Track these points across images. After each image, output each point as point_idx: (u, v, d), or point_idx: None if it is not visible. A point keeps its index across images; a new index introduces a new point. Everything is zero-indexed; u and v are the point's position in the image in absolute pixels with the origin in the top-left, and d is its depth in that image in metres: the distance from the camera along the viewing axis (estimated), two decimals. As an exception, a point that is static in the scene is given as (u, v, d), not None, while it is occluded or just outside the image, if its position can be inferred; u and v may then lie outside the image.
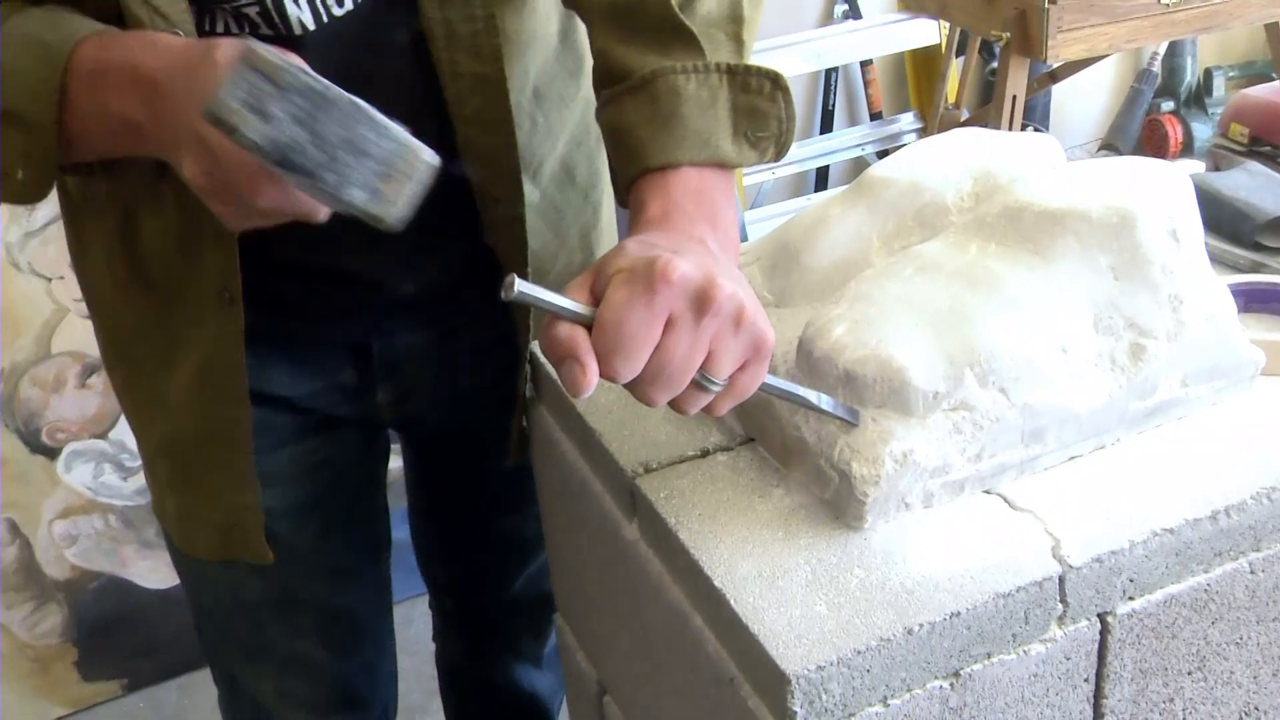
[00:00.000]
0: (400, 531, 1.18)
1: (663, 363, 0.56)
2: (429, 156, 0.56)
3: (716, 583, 0.62)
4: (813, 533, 0.65)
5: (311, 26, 0.73)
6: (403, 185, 0.56)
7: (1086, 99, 2.96)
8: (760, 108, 0.70)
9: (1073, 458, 0.69)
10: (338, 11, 0.74)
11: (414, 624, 1.67)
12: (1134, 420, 0.71)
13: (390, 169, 0.55)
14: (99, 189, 0.83)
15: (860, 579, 0.61)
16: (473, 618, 1.20)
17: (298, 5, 0.72)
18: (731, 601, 0.61)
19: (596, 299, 0.56)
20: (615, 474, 0.74)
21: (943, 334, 0.65)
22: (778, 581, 0.62)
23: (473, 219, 0.84)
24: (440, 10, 0.75)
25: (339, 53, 0.74)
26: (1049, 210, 0.69)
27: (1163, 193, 0.70)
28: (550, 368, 0.86)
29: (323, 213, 0.61)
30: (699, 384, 0.57)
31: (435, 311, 0.92)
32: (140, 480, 1.70)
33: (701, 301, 0.55)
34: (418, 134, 0.81)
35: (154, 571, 1.76)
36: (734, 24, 0.72)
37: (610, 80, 0.72)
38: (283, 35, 0.73)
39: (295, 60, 0.55)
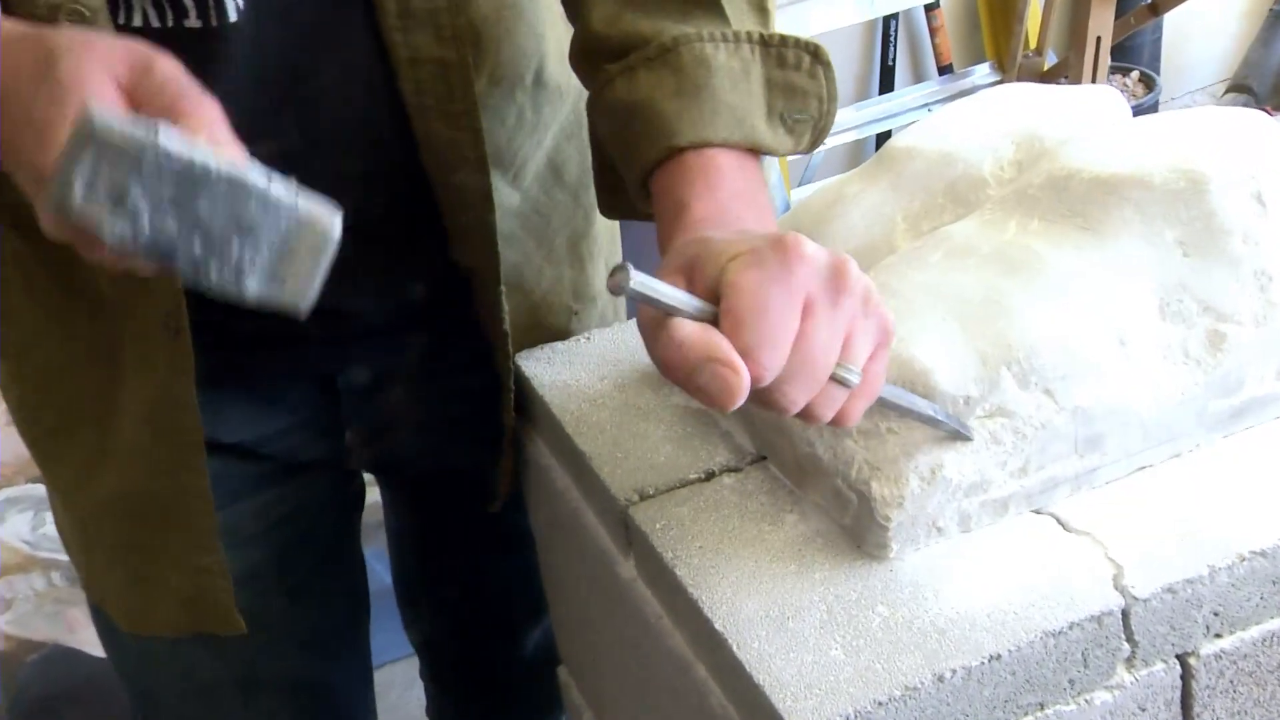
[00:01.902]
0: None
1: (806, 354, 0.55)
2: (329, 224, 0.54)
3: (718, 625, 0.63)
4: (830, 564, 0.66)
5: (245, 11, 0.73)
6: (307, 262, 0.54)
7: (1210, 32, 2.93)
8: (799, 85, 0.70)
9: (1140, 468, 0.70)
10: None
11: (417, 685, 1.69)
12: (1215, 422, 0.71)
13: (288, 246, 0.54)
14: (6, 200, 0.85)
15: (883, 617, 0.62)
16: (476, 686, 1.20)
17: None
18: (734, 647, 0.62)
19: (700, 296, 0.56)
20: (608, 503, 0.76)
21: (975, 328, 0.65)
22: (788, 623, 0.63)
23: (443, 227, 0.85)
24: None
25: (277, 42, 0.75)
26: (1102, 177, 0.70)
27: (1243, 148, 0.70)
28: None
29: None
30: (836, 378, 0.57)
31: (409, 333, 0.93)
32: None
33: (837, 280, 0.56)
34: (376, 130, 0.80)
35: (110, 637, 1.79)
36: None
37: (616, 54, 0.71)
38: (212, 26, 0.73)
39: (156, 123, 0.53)
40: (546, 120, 0.91)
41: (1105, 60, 1.98)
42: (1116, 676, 0.63)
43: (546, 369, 0.88)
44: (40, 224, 0.57)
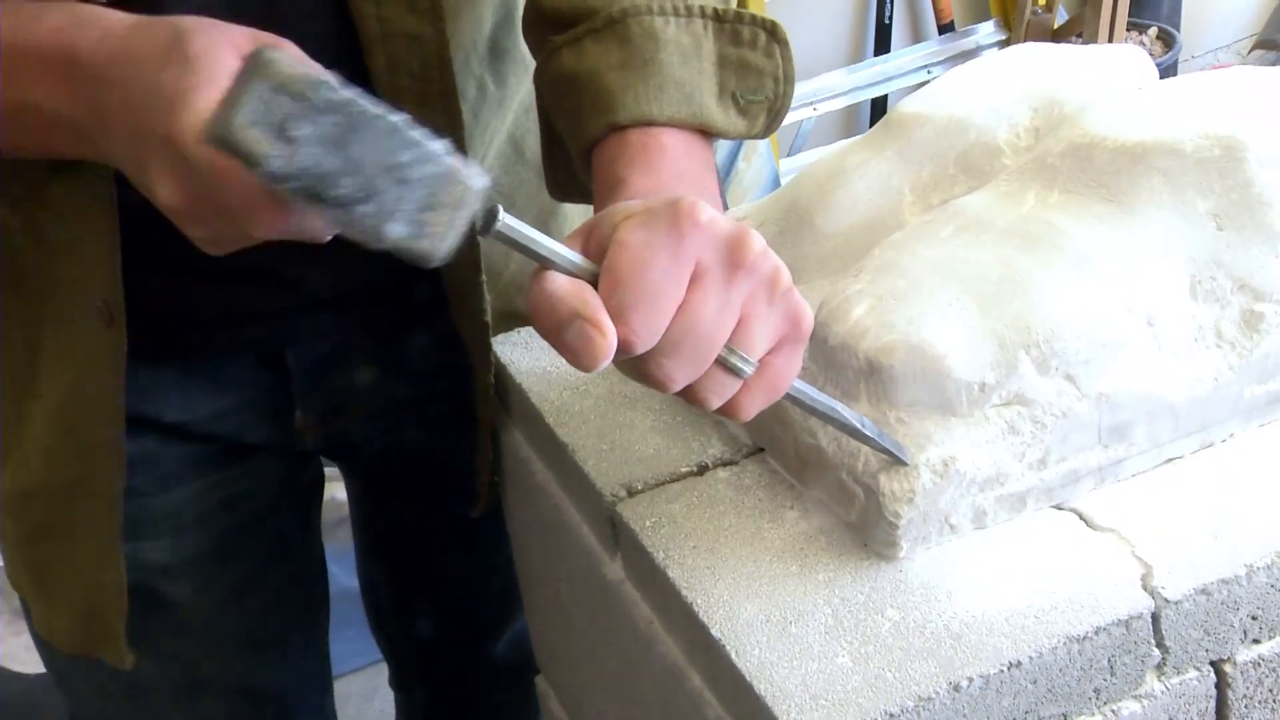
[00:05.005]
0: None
1: (688, 326, 0.55)
2: (477, 180, 0.58)
3: (714, 631, 0.63)
4: (835, 565, 0.66)
5: None
6: (448, 215, 0.57)
7: (1235, -17, 2.93)
8: (753, 63, 0.71)
9: (1169, 460, 0.70)
10: None
11: (376, 696, 1.68)
12: (1251, 409, 0.71)
13: (434, 197, 0.56)
14: None
15: (894, 622, 0.62)
16: (444, 693, 1.20)
17: None
18: (732, 654, 0.62)
19: (593, 258, 0.56)
20: (592, 499, 0.75)
21: (991, 309, 0.65)
22: (790, 628, 0.63)
23: None
24: None
25: (223, 13, 0.72)
26: (1128, 144, 0.69)
27: None
28: (506, 355, 0.88)
29: (329, 233, 0.63)
30: (726, 364, 0.57)
31: (367, 310, 0.93)
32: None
33: (734, 253, 0.55)
34: None
35: (33, 650, 1.77)
36: None
37: (565, 25, 0.72)
38: None
39: (318, 68, 0.56)
40: (511, 93, 0.91)
41: (1123, 16, 1.98)
42: (1146, 685, 0.63)
43: (524, 354, 0.88)
44: (153, 191, 0.61)
